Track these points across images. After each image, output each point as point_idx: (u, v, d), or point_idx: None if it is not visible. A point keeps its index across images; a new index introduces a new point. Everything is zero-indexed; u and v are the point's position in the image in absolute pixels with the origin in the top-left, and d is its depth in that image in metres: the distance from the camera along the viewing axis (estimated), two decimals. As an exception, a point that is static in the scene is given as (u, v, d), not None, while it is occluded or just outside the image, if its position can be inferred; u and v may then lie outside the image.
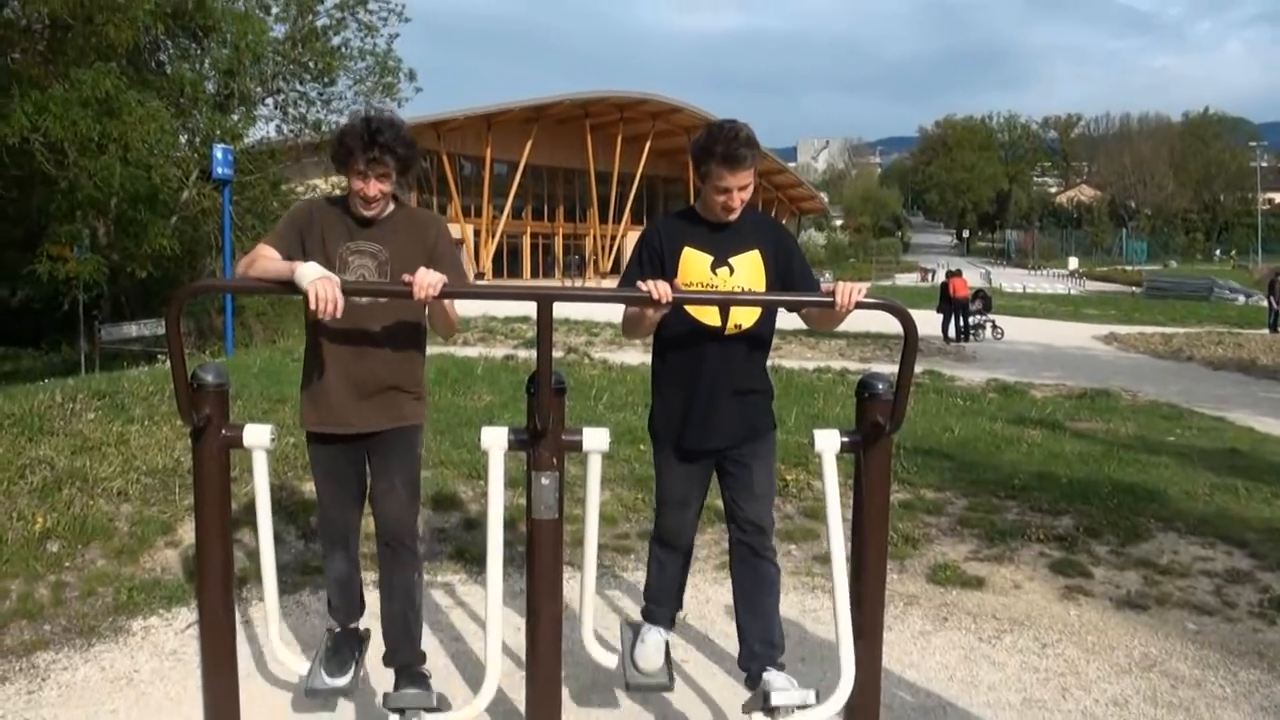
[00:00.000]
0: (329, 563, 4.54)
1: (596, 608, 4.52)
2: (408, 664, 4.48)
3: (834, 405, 12.15)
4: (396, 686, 4.43)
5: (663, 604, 4.72)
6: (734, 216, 4.32)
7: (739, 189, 4.22)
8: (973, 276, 36.92)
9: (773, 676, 4.29)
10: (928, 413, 12.44)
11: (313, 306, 3.81)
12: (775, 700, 4.12)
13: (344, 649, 4.50)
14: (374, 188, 4.14)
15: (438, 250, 4.32)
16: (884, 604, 4.47)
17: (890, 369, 4.80)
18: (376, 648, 4.59)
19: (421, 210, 4.65)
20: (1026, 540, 7.08)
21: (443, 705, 4.27)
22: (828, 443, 4.26)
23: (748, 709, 4.27)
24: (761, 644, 4.41)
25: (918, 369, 4.39)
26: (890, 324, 4.03)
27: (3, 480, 6.88)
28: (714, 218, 4.35)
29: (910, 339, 4.03)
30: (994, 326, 29.54)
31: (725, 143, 4.15)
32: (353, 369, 4.27)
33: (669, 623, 4.76)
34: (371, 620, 4.62)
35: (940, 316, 28.78)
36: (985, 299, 30.90)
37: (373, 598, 4.59)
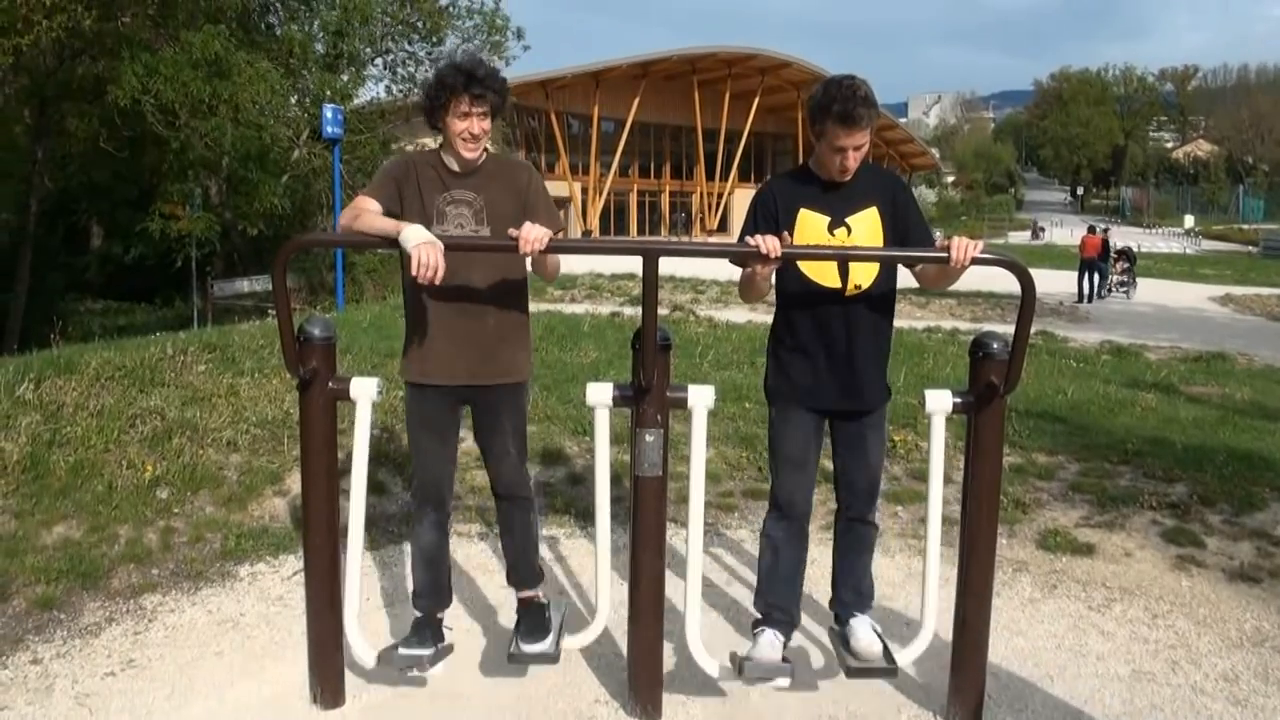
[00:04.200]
0: (418, 530, 4.53)
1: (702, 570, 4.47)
2: (527, 584, 4.62)
3: (944, 366, 11.96)
4: (517, 625, 4.58)
5: (781, 603, 4.52)
6: (849, 176, 4.21)
7: (855, 149, 4.09)
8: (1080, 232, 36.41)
9: (858, 623, 4.48)
10: (1040, 374, 12.20)
11: (414, 272, 3.83)
12: (856, 645, 4.38)
13: (425, 631, 4.49)
14: (478, 125, 4.13)
15: (530, 194, 4.30)
16: (993, 569, 4.39)
17: (1002, 329, 4.69)
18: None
19: (511, 158, 4.64)
20: (1139, 507, 6.91)
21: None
22: (939, 403, 4.17)
23: (836, 649, 4.48)
24: (852, 593, 4.57)
25: (1032, 329, 4.28)
26: (1002, 283, 3.93)
27: (113, 429, 7.01)
28: (829, 176, 4.24)
29: (1028, 297, 3.93)
30: (1128, 285, 29.09)
31: (843, 101, 4.02)
32: (456, 321, 4.27)
33: (789, 627, 4.55)
34: (475, 584, 4.64)
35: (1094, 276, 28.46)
36: (1131, 257, 30.35)
37: (480, 556, 4.60)
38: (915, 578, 5.82)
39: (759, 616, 4.55)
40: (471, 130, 4.13)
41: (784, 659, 4.37)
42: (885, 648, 4.39)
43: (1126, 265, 30.04)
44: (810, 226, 4.23)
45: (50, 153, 27.96)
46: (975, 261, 3.96)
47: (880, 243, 4.23)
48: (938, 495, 4.25)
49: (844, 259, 4.18)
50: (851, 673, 4.37)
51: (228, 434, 7.25)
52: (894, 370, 10.32)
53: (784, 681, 4.28)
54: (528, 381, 4.54)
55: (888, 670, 4.36)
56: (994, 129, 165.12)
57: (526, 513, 4.58)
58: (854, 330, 4.27)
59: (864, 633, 4.44)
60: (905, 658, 4.37)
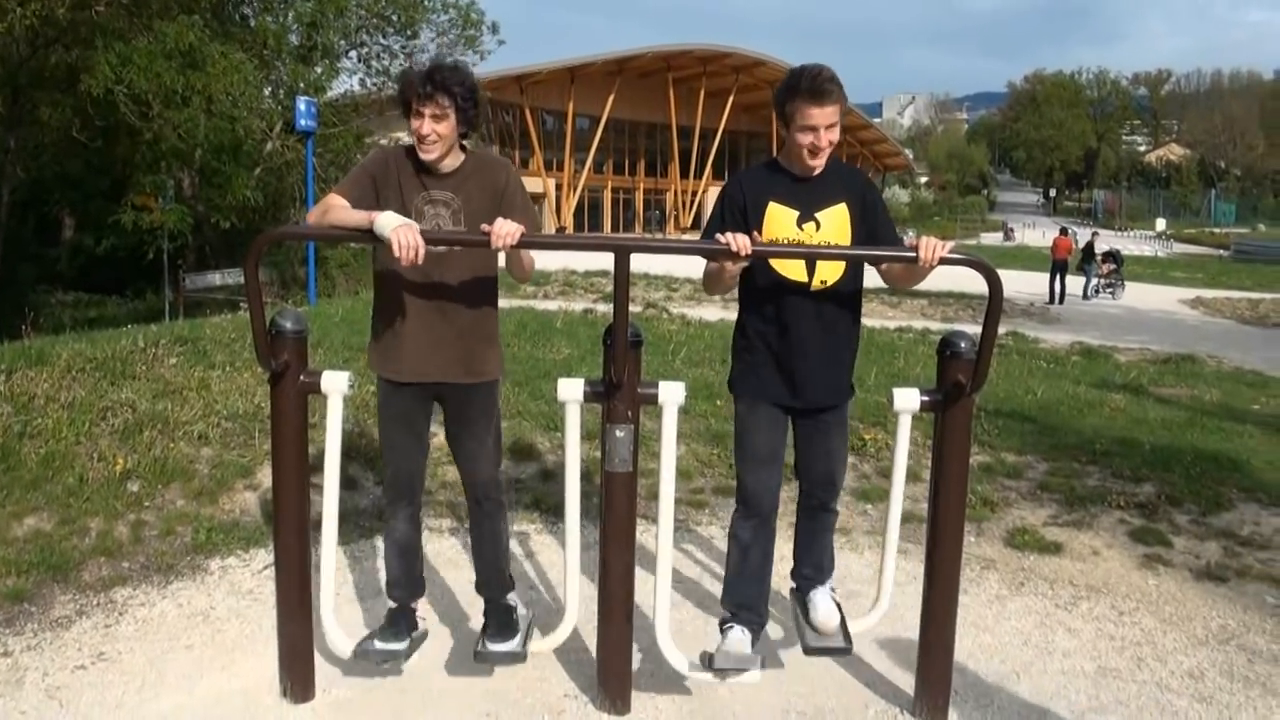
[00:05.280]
0: (392, 524, 4.55)
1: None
2: (496, 596, 4.63)
3: (914, 365, 12.02)
4: (485, 624, 4.60)
5: (749, 603, 4.54)
6: (820, 161, 4.18)
7: (826, 127, 4.10)
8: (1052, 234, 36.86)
9: (818, 594, 4.61)
10: (1010, 374, 12.29)
11: (396, 253, 3.80)
12: (815, 616, 4.53)
13: (400, 623, 4.52)
14: (428, 126, 4.08)
15: (508, 193, 4.29)
16: (960, 566, 4.43)
17: (972, 329, 4.72)
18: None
19: (491, 155, 4.63)
20: (1106, 507, 6.97)
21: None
22: (907, 402, 4.21)
23: (796, 621, 4.64)
24: (813, 568, 4.68)
25: (1001, 330, 4.33)
26: (973, 284, 3.97)
27: (84, 422, 6.99)
28: (800, 169, 4.24)
29: (995, 297, 3.96)
30: (1114, 286, 29.63)
31: (810, 78, 4.06)
32: (429, 319, 4.27)
33: (758, 626, 4.57)
34: (444, 578, 4.65)
35: (1083, 277, 29.06)
36: (1118, 259, 30.83)
37: (450, 551, 4.61)
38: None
39: (727, 615, 4.57)
40: (421, 130, 4.10)
41: (753, 653, 4.41)
42: (843, 620, 4.51)
43: (1114, 267, 30.47)
44: (779, 220, 4.23)
45: (22, 142, 27.76)
46: (944, 261, 3.98)
47: (848, 239, 4.24)
48: (899, 487, 4.37)
49: (814, 257, 4.19)
50: (810, 651, 4.44)
51: (199, 427, 7.23)
52: (865, 369, 10.41)
53: (754, 674, 4.29)
54: (499, 380, 4.55)
55: (844, 650, 4.46)
56: (968, 131, 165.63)
57: (497, 520, 4.59)
58: (819, 326, 4.28)
59: (824, 603, 4.55)
60: (860, 626, 4.55)
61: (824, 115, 4.07)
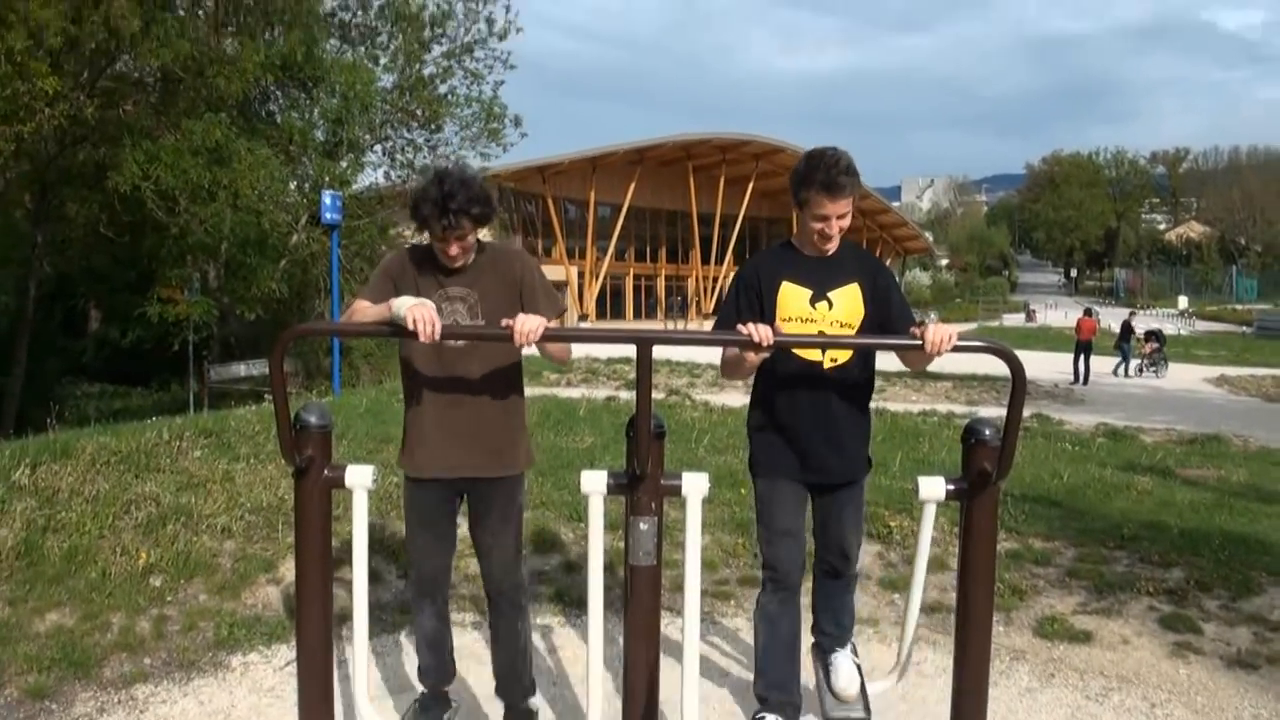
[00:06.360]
0: (419, 619, 4.57)
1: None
2: (515, 701, 4.64)
3: (939, 450, 11.96)
4: None
5: (781, 681, 4.51)
6: (832, 246, 4.30)
7: (837, 217, 4.20)
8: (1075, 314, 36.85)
9: (839, 658, 4.67)
10: (1035, 458, 12.18)
11: (412, 328, 3.80)
12: (837, 682, 4.58)
13: (433, 709, 4.53)
14: (454, 248, 4.18)
15: (525, 283, 4.33)
16: (989, 658, 4.36)
17: (996, 412, 4.70)
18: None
19: (504, 247, 4.66)
20: (1136, 593, 6.87)
21: None
22: (932, 490, 4.17)
23: (817, 682, 4.67)
24: (832, 623, 4.73)
25: (1027, 413, 4.29)
26: (998, 366, 3.93)
27: (108, 515, 6.99)
28: (812, 250, 4.33)
29: (1018, 382, 3.92)
30: (1158, 364, 29.85)
31: (825, 170, 4.13)
32: (451, 413, 4.28)
33: (792, 710, 4.52)
34: (468, 674, 4.61)
35: (1118, 357, 29.59)
36: (1160, 338, 31.04)
37: (474, 645, 4.59)
38: (913, 667, 5.78)
39: (759, 703, 4.52)
40: (449, 252, 4.18)
41: None
42: (864, 686, 4.57)
43: (1156, 345, 30.59)
44: (792, 299, 4.32)
45: (50, 237, 28.06)
46: (959, 349, 3.95)
47: (861, 317, 4.33)
48: (922, 572, 4.32)
49: (829, 346, 4.28)
50: None
51: (222, 520, 7.22)
52: (889, 453, 10.37)
53: None
54: (524, 474, 4.54)
55: (863, 719, 4.48)
56: (987, 212, 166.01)
57: (516, 620, 4.58)
58: (833, 403, 4.36)
59: (845, 667, 4.62)
60: (880, 687, 4.67)
61: (836, 207, 4.18)
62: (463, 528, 4.73)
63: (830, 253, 4.33)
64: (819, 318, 4.30)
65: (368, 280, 4.56)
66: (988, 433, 4.16)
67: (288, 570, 6.55)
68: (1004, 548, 7.38)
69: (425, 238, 4.28)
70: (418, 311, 3.82)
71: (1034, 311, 79.50)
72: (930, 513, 4.20)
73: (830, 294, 4.32)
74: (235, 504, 7.52)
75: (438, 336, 3.85)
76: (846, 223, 4.25)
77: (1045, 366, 27.12)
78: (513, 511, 4.48)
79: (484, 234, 4.38)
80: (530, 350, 4.13)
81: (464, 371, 4.26)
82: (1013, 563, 7.32)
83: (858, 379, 4.42)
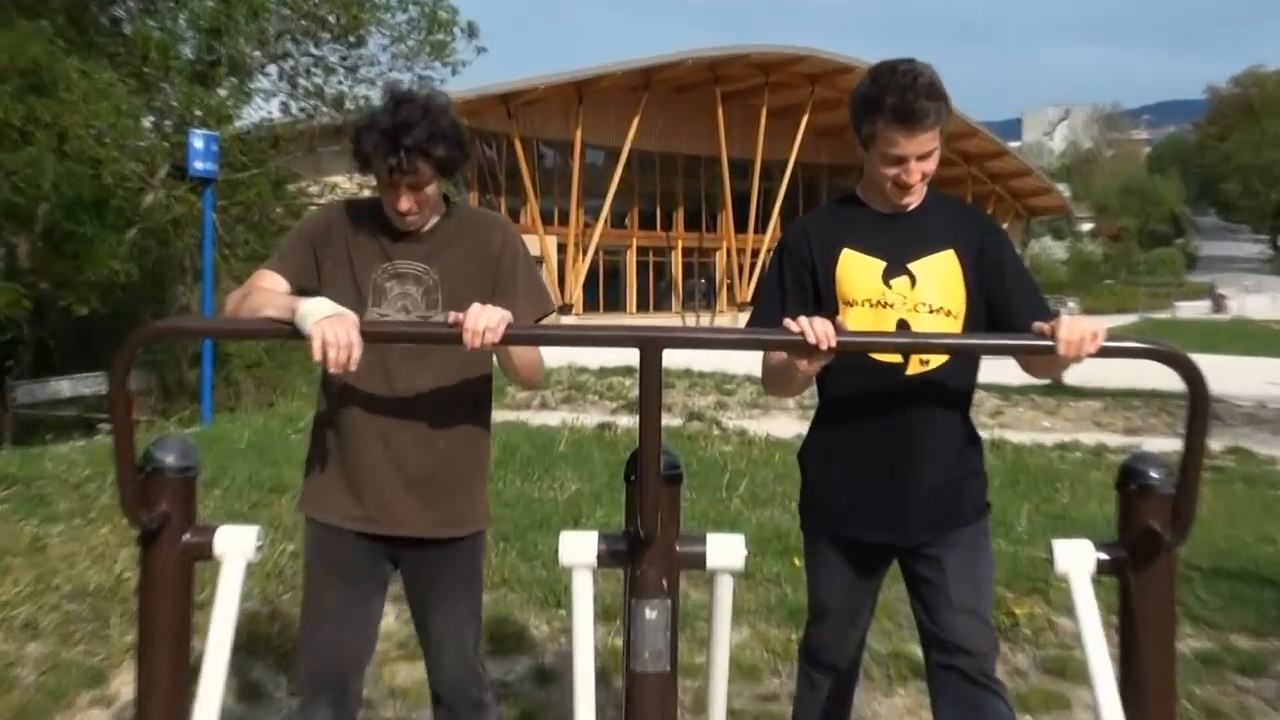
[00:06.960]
0: None
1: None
2: None
3: (1086, 500, 11.92)
4: None
5: None
6: (913, 199, 4.23)
7: (918, 158, 4.11)
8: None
9: None
10: (1234, 513, 12.13)
11: (316, 356, 3.70)
12: None
13: None
14: (405, 201, 4.13)
15: (504, 264, 4.31)
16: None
17: (1174, 445, 4.63)
18: None
19: (482, 212, 4.63)
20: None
21: None
22: (1076, 560, 4.08)
23: None
24: None
25: (1217, 445, 4.24)
26: (1171, 377, 3.83)
27: None
28: (884, 204, 4.27)
29: (1199, 402, 3.84)
30: None
31: (898, 91, 4.02)
32: (390, 446, 4.25)
33: None
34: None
35: None
36: None
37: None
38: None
39: None
40: (399, 206, 4.13)
41: None
42: None
43: None
44: (857, 274, 4.25)
45: None
46: (1109, 352, 3.85)
47: (961, 299, 4.25)
48: (1108, 685, 3.85)
49: (915, 350, 4.18)
50: None
51: (25, 612, 7.14)
52: (1012, 506, 10.33)
53: None
54: (484, 531, 4.50)
55: None
56: (1150, 155, 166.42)
57: None
58: (919, 424, 4.26)
59: None
60: None
61: (916, 144, 4.08)
62: (389, 617, 4.68)
63: (911, 208, 4.26)
64: (896, 300, 4.21)
65: (258, 253, 4.50)
66: (1156, 475, 4.09)
67: (123, 684, 6.47)
68: (1189, 647, 7.32)
69: (357, 188, 4.23)
70: (330, 329, 3.67)
71: (1224, 298, 79.69)
72: (1082, 590, 4.03)
73: (912, 266, 4.24)
74: (47, 587, 7.46)
75: (352, 368, 3.73)
76: (933, 165, 4.16)
77: (1245, 377, 27.02)
78: (474, 582, 4.46)
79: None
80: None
81: (410, 385, 4.22)
82: (1205, 670, 7.24)
83: (957, 387, 4.34)
